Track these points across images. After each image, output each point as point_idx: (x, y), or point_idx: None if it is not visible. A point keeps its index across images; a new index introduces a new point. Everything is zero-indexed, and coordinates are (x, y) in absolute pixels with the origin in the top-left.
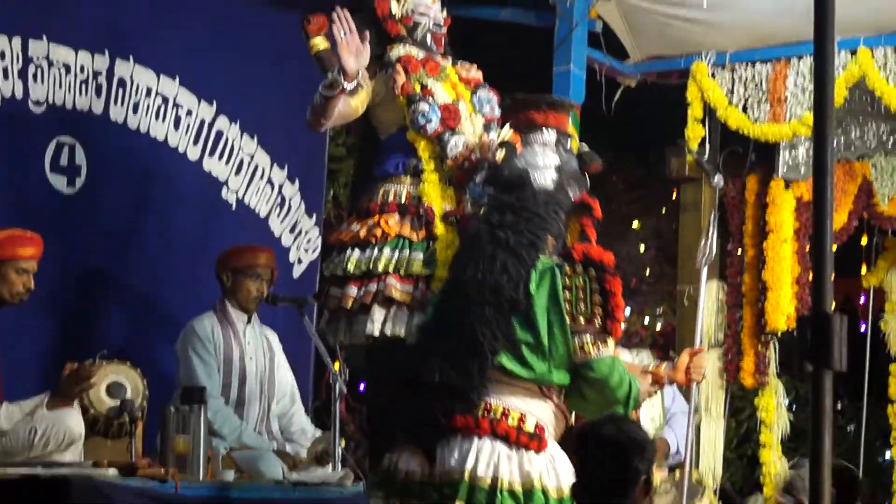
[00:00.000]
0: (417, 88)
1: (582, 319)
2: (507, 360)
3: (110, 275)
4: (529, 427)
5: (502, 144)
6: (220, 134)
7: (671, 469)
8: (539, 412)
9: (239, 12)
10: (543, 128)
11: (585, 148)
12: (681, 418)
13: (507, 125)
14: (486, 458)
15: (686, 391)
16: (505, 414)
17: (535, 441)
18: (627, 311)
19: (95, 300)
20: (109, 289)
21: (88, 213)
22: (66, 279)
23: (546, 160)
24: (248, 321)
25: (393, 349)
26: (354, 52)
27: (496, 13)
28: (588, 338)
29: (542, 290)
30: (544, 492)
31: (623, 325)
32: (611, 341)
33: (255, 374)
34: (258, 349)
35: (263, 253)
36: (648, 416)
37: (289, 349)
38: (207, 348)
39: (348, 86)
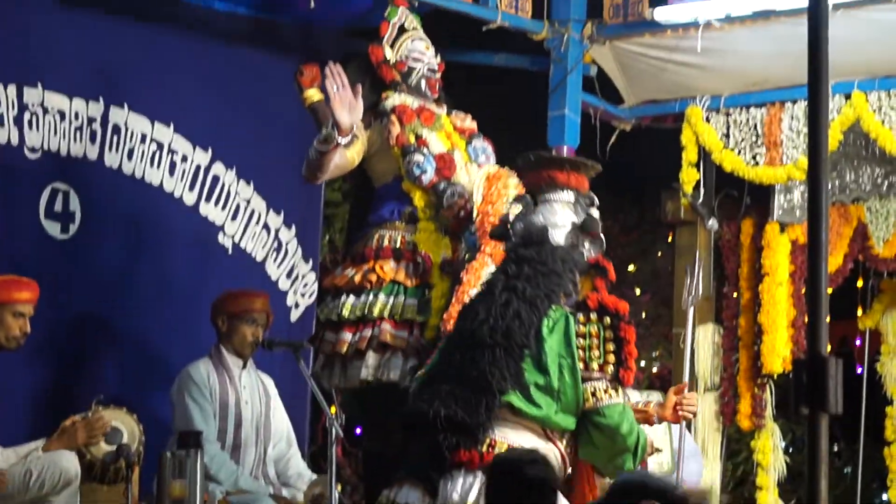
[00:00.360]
0: (412, 139)
1: (595, 366)
2: (515, 399)
3: (105, 320)
4: None
5: (517, 199)
6: (216, 179)
7: None
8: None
9: (233, 59)
10: (564, 187)
11: (595, 213)
12: (692, 462)
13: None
14: None
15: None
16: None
17: None
18: None
19: (90, 346)
20: (104, 334)
21: (83, 258)
22: (61, 325)
23: (564, 219)
24: (244, 366)
25: (388, 394)
26: (348, 107)
27: (490, 58)
28: (600, 384)
29: (555, 334)
30: None
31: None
32: (621, 390)
33: (251, 419)
34: (254, 394)
35: (259, 298)
36: (656, 461)
37: (285, 393)
38: (203, 393)
39: (343, 140)
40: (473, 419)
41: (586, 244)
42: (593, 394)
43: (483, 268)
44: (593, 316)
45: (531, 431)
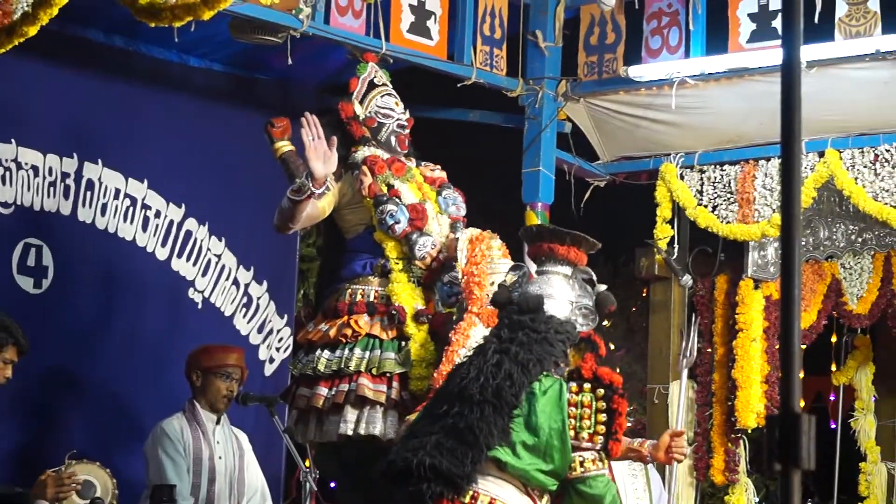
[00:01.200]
0: (384, 189)
1: (585, 435)
2: (501, 454)
3: (77, 374)
4: None
5: (514, 268)
6: (188, 235)
7: None
8: None
9: (208, 115)
10: (563, 260)
11: (602, 288)
12: None
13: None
14: None
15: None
16: (491, 503)
17: None
18: None
19: (63, 400)
20: (77, 388)
21: (55, 313)
22: (34, 379)
23: (561, 292)
24: (218, 421)
25: (366, 448)
26: (323, 157)
27: (465, 115)
28: (588, 455)
29: (547, 398)
30: None
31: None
32: (607, 461)
33: (225, 474)
34: (228, 449)
35: (234, 353)
36: None
37: (260, 447)
38: (177, 448)
39: (317, 190)
40: (458, 470)
41: (580, 319)
42: (581, 463)
43: (471, 328)
44: (587, 386)
45: (513, 486)
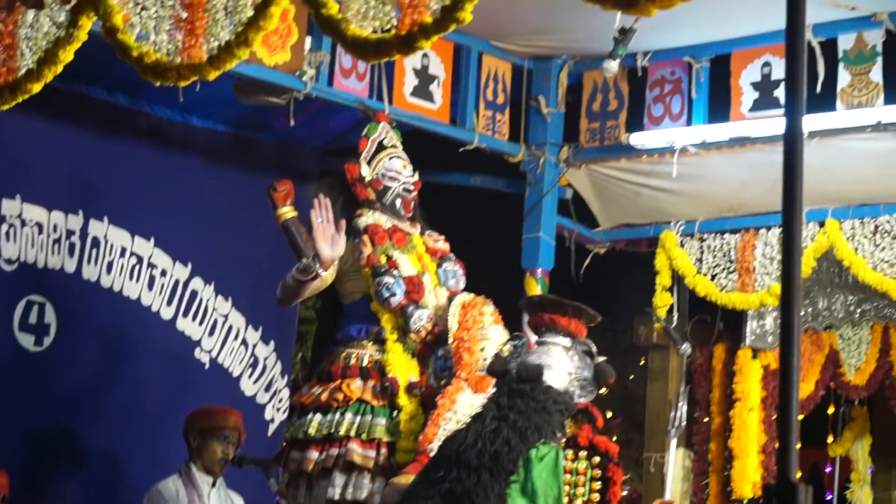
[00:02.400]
0: (383, 260)
1: (579, 502)
2: None
3: (77, 435)
4: None
5: (513, 338)
6: (194, 294)
7: None
8: None
9: (212, 175)
10: (563, 332)
11: (602, 360)
12: None
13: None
14: None
15: None
16: None
17: None
18: None
19: (62, 459)
20: (76, 448)
21: (55, 371)
22: (33, 437)
23: (560, 363)
24: (214, 484)
25: None
26: (330, 242)
27: (467, 179)
28: None
29: (544, 464)
30: None
31: None
32: None
33: None
34: None
35: (231, 415)
36: None
37: None
38: None
39: (322, 272)
40: None
41: (578, 391)
42: None
43: (458, 392)
44: (582, 454)
45: None
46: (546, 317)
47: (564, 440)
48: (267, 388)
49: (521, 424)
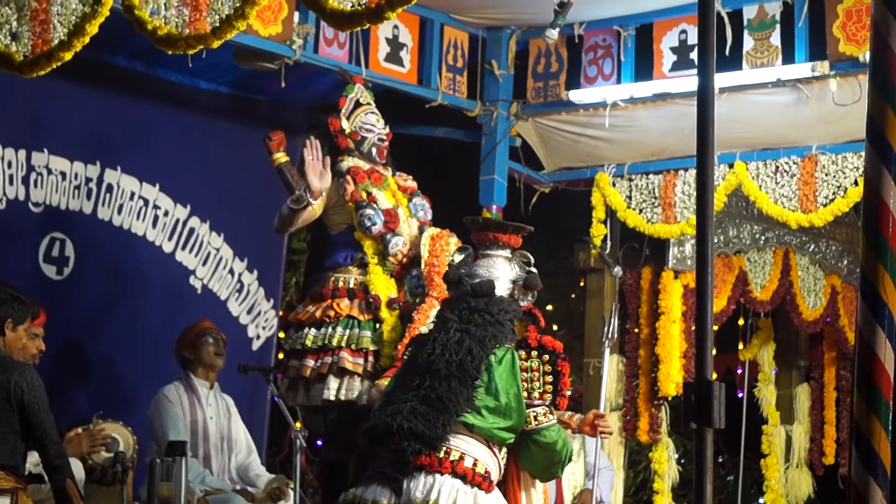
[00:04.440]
0: (364, 196)
1: (536, 395)
2: (468, 418)
3: (92, 349)
4: (481, 470)
5: (461, 249)
6: (192, 231)
7: None
8: (487, 460)
9: (212, 130)
10: (505, 245)
11: (534, 271)
12: (605, 473)
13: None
14: (447, 491)
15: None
16: (462, 457)
17: (486, 482)
18: None
19: (82, 368)
20: (91, 361)
21: (75, 296)
22: (59, 352)
23: (504, 273)
24: (211, 387)
25: (346, 410)
26: (319, 175)
27: (432, 131)
28: (540, 410)
29: (503, 367)
30: None
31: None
32: (555, 412)
33: (216, 433)
34: (219, 411)
35: (206, 321)
36: (570, 471)
37: (250, 411)
38: (176, 410)
39: (313, 202)
40: (432, 432)
41: (520, 295)
42: (535, 417)
43: (431, 309)
44: (534, 353)
45: (478, 442)
46: (490, 234)
47: (516, 342)
48: (249, 311)
49: (479, 334)
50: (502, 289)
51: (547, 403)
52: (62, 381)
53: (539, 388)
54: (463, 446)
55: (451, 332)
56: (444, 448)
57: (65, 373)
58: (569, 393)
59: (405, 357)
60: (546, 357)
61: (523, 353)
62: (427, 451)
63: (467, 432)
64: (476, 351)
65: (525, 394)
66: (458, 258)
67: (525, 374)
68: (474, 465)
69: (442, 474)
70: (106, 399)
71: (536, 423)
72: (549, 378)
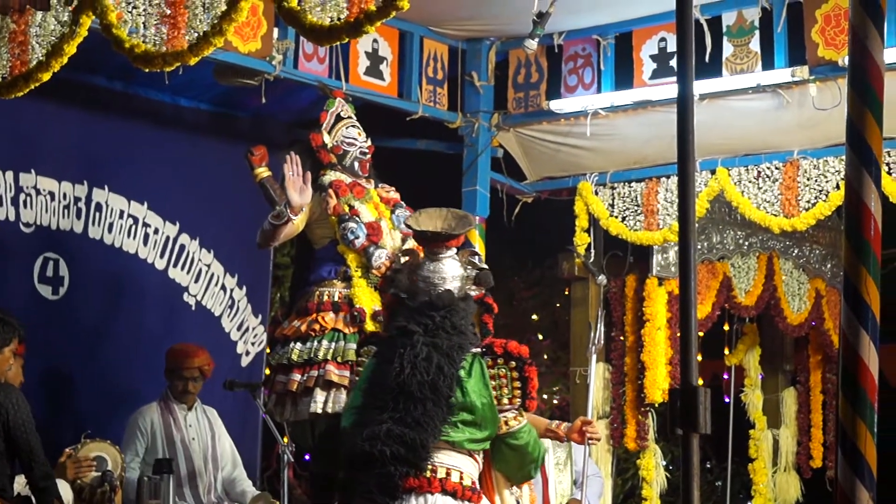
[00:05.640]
0: (346, 209)
1: (506, 401)
2: (447, 435)
3: (88, 367)
4: (468, 483)
5: (406, 252)
6: (182, 248)
7: None
8: (471, 470)
9: (196, 147)
10: (450, 248)
11: (485, 267)
12: (594, 480)
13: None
14: None
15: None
16: (448, 473)
17: (475, 494)
18: None
19: (76, 388)
20: (88, 378)
21: (70, 316)
22: (52, 370)
23: (453, 271)
24: (189, 408)
25: (333, 423)
26: (299, 190)
27: (413, 143)
28: (510, 414)
29: (473, 378)
30: None
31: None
32: (525, 414)
33: (200, 451)
34: (200, 430)
35: (194, 357)
36: (557, 480)
37: (240, 427)
38: (138, 434)
39: (294, 218)
40: (415, 456)
41: (472, 287)
42: (506, 422)
43: None
44: (500, 360)
45: (457, 452)
46: (446, 244)
47: (482, 349)
48: (239, 328)
49: (446, 347)
50: (452, 286)
51: (517, 407)
52: (62, 396)
53: (508, 395)
54: (447, 461)
55: (417, 346)
56: (430, 467)
57: (65, 387)
58: (536, 398)
59: (371, 363)
60: (513, 364)
61: (489, 361)
62: (414, 472)
63: (447, 446)
64: (447, 369)
65: (495, 401)
66: (402, 260)
67: (493, 381)
68: (461, 479)
69: (433, 493)
70: (104, 411)
71: (508, 427)
72: (517, 384)
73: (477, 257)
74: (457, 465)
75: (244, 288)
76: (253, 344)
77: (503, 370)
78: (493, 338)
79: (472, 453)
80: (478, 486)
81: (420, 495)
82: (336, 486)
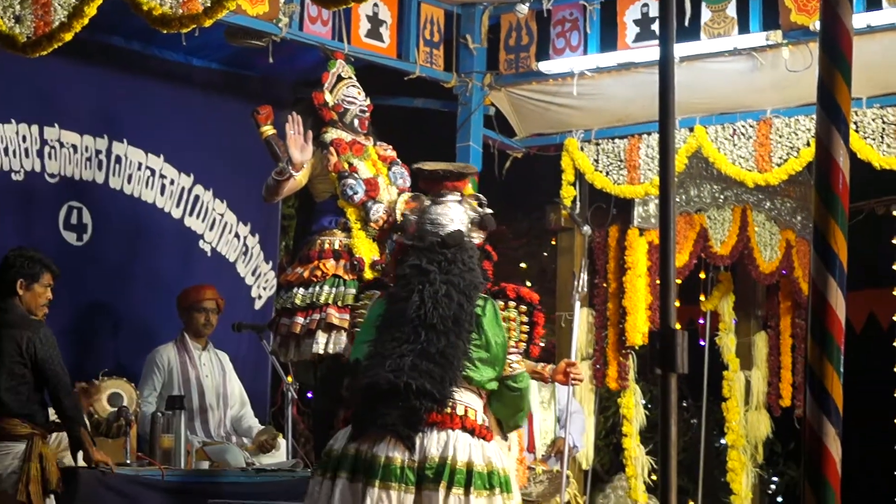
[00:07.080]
0: (346, 166)
1: (513, 343)
2: (468, 371)
3: (110, 310)
4: (481, 420)
5: (413, 197)
6: (197, 198)
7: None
8: (481, 408)
9: (208, 104)
10: (453, 190)
11: (489, 212)
12: (576, 417)
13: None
14: (461, 447)
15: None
16: (466, 411)
17: (489, 433)
18: None
19: (99, 328)
20: (109, 320)
21: (93, 261)
22: (77, 312)
23: (458, 215)
24: (204, 347)
25: (334, 363)
26: (300, 148)
27: (411, 101)
28: (514, 357)
29: (488, 318)
30: (499, 472)
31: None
32: (524, 360)
33: (212, 388)
34: (213, 369)
35: (206, 290)
36: (541, 418)
37: (249, 367)
38: (156, 371)
39: (295, 174)
40: (440, 391)
41: (474, 234)
42: (510, 364)
43: None
44: (511, 304)
45: (472, 392)
46: (447, 184)
47: (494, 293)
48: (253, 273)
49: (463, 285)
50: (460, 229)
51: (520, 351)
52: (88, 337)
53: (515, 338)
54: (464, 399)
55: (436, 283)
56: (451, 403)
57: (90, 328)
58: (542, 344)
59: (381, 303)
60: (524, 308)
61: (501, 303)
62: (438, 408)
63: (465, 384)
64: (465, 304)
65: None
66: (401, 205)
67: (504, 323)
68: (475, 416)
69: (453, 430)
70: (125, 354)
71: (511, 369)
72: (525, 328)
73: (480, 201)
74: (471, 403)
75: (256, 235)
76: (265, 288)
77: (513, 313)
78: (491, 284)
79: (482, 393)
80: (487, 424)
81: (442, 430)
82: (351, 415)
